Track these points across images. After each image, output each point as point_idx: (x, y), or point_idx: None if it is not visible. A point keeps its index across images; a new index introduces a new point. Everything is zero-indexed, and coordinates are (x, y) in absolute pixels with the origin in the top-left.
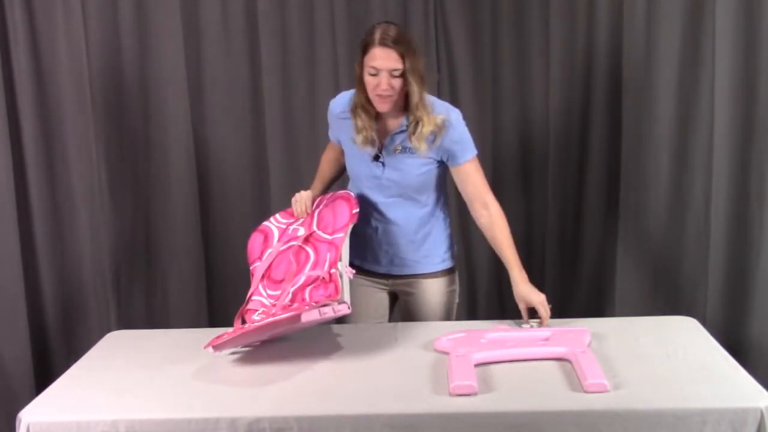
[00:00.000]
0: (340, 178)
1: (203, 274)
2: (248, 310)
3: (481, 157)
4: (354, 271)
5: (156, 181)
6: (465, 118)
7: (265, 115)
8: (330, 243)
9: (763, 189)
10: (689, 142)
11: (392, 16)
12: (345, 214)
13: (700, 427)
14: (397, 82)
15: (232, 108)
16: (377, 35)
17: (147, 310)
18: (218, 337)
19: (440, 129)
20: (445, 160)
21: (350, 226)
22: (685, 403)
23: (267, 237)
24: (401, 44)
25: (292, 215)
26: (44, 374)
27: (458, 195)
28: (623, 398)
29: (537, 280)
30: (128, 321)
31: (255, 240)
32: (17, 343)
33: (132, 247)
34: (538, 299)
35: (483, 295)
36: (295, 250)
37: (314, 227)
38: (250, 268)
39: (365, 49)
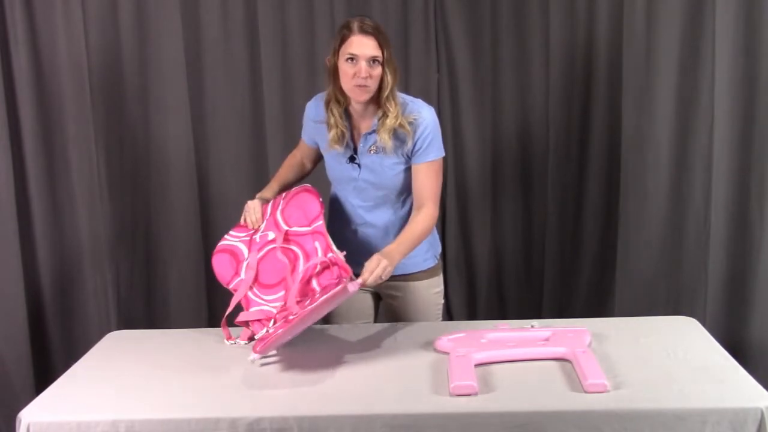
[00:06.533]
0: (299, 183)
1: (203, 274)
2: (253, 321)
3: (481, 158)
4: (345, 252)
5: (156, 181)
6: (465, 118)
7: (265, 115)
8: (312, 233)
9: (763, 189)
10: (689, 142)
11: (392, 16)
12: (314, 204)
13: (700, 427)
14: (376, 72)
15: (232, 107)
16: (356, 24)
17: (147, 310)
18: (261, 339)
19: (409, 130)
20: (409, 155)
21: (323, 214)
22: (685, 403)
23: (234, 253)
24: (380, 34)
25: (245, 228)
26: (44, 374)
27: (457, 196)
28: (623, 398)
29: (537, 280)
30: (128, 321)
31: (221, 260)
32: (17, 343)
33: (132, 247)
34: (372, 264)
35: (483, 295)
36: (279, 251)
37: (285, 227)
38: (229, 287)
39: (342, 39)
